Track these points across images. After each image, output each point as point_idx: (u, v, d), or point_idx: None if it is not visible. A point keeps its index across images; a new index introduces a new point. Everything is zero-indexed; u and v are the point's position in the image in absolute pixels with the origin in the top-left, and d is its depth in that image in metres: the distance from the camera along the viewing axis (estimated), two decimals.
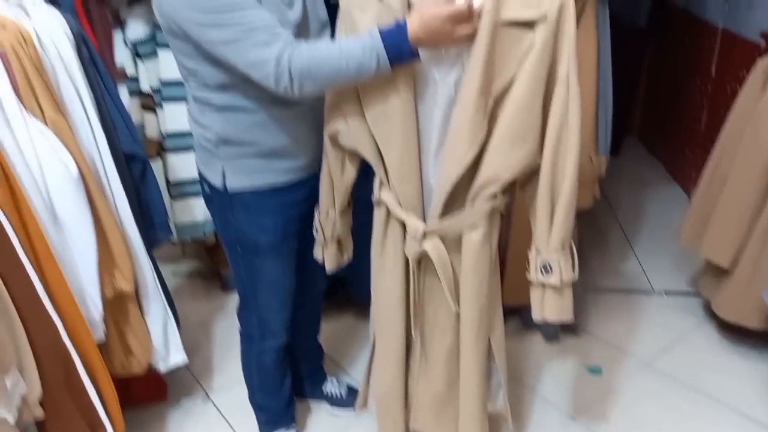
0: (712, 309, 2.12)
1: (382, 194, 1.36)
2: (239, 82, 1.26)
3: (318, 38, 1.35)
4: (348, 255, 1.58)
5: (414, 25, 1.13)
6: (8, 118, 1.22)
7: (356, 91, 1.27)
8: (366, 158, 1.34)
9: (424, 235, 1.31)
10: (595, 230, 2.90)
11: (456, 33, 1.12)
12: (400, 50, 1.15)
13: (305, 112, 1.36)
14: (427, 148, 1.29)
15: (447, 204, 1.29)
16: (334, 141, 1.37)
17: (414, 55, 1.16)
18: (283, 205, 1.44)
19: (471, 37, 1.14)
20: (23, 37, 1.24)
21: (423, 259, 1.37)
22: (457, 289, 1.37)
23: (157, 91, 2.03)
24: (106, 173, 1.48)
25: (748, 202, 1.83)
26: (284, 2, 1.27)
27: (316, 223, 1.51)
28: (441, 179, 1.27)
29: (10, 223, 1.23)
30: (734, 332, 2.15)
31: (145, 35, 1.95)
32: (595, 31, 1.69)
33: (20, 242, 1.24)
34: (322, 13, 1.38)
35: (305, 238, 1.53)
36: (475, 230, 1.29)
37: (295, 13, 1.27)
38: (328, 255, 1.53)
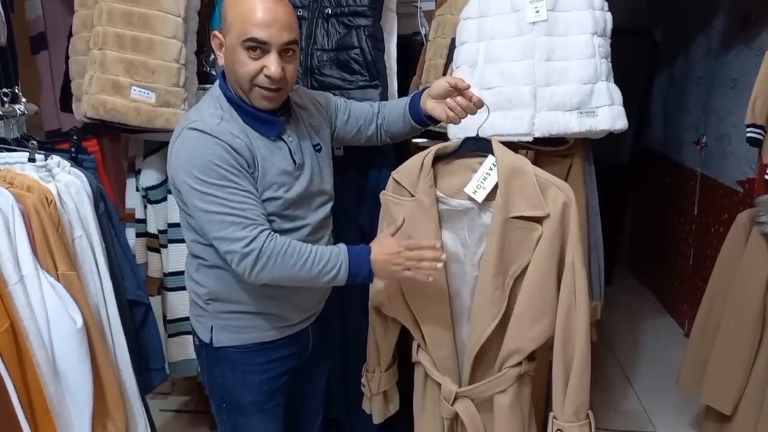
0: None
1: (420, 356, 1.47)
2: None
3: (318, 211, 1.41)
4: (394, 406, 1.64)
5: (375, 250, 1.29)
6: (23, 274, 1.25)
7: (404, 285, 1.42)
8: (405, 325, 1.46)
9: (456, 397, 1.40)
10: (594, 367, 2.86)
11: (405, 270, 1.27)
12: (359, 267, 1.28)
13: None
14: (460, 317, 1.41)
15: (476, 370, 1.39)
16: (378, 310, 1.51)
17: (368, 277, 1.29)
18: (270, 362, 1.43)
19: (414, 274, 1.27)
20: (46, 198, 1.31)
21: (459, 419, 1.43)
22: None
23: (163, 231, 2.10)
24: (109, 321, 1.49)
25: (743, 351, 1.85)
26: (282, 185, 1.32)
27: (363, 379, 1.61)
28: (468, 348, 1.38)
29: (11, 378, 1.22)
30: None
31: (157, 182, 2.06)
32: (583, 189, 1.80)
33: (18, 398, 1.23)
34: (328, 187, 1.46)
35: (295, 389, 1.52)
36: (503, 394, 1.37)
37: (292, 193, 1.34)
38: (375, 408, 1.61)
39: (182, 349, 2.16)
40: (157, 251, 2.13)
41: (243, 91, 1.29)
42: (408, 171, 1.40)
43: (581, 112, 1.63)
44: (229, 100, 1.31)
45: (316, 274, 1.25)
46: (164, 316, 2.17)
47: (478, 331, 1.34)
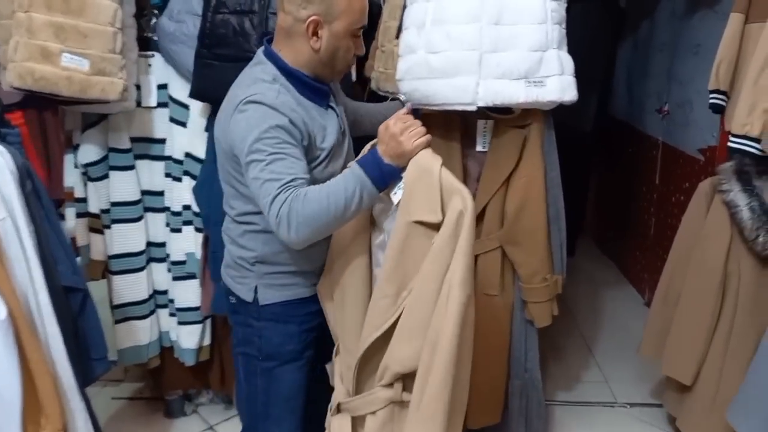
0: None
1: (336, 360, 1.47)
2: None
3: None
4: None
5: (380, 146, 1.30)
6: None
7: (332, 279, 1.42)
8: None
9: (340, 410, 1.36)
10: (556, 337, 2.88)
11: (408, 134, 1.26)
12: (378, 171, 1.27)
13: None
14: None
15: (360, 383, 1.32)
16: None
17: (394, 171, 1.28)
18: (308, 314, 1.50)
19: (426, 139, 1.28)
20: None
21: None
22: None
23: (106, 211, 1.99)
24: (40, 310, 1.39)
25: (703, 322, 1.85)
26: (333, 156, 1.40)
27: (328, 365, 1.57)
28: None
29: None
30: None
31: (97, 157, 1.93)
32: (542, 159, 1.73)
33: None
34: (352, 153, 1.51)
35: (318, 345, 1.55)
36: (373, 417, 1.31)
37: (338, 164, 1.42)
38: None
39: (130, 336, 2.07)
40: (100, 232, 2.01)
41: (335, 72, 1.40)
42: None
43: (529, 82, 1.55)
44: (288, 72, 1.35)
45: (344, 204, 1.24)
46: (110, 301, 2.07)
47: (363, 339, 1.29)
